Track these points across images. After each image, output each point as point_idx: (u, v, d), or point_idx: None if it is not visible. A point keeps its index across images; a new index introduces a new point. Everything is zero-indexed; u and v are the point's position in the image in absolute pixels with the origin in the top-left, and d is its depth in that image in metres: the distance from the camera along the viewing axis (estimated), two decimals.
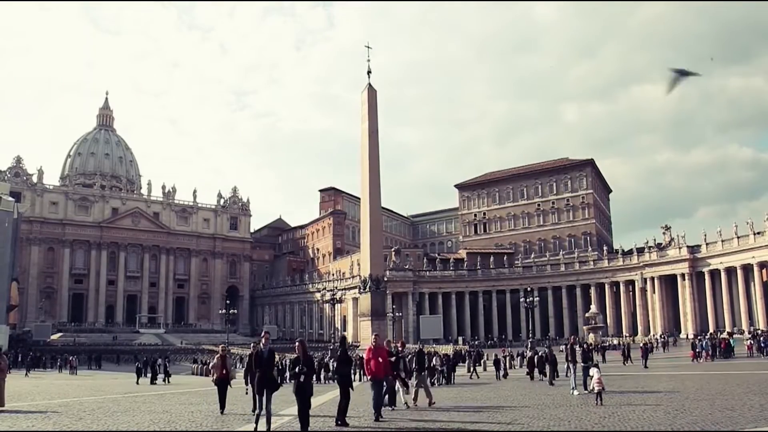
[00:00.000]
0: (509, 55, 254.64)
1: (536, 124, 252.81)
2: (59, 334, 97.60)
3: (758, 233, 71.61)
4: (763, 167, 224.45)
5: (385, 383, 16.14)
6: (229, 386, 18.17)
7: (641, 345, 44.09)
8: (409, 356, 22.91)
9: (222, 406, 17.42)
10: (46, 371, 58.29)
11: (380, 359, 15.79)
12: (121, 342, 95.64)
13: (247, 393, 18.10)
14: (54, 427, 15.18)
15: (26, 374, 47.70)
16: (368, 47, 60.25)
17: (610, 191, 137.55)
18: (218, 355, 18.85)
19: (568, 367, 22.94)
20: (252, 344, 17.85)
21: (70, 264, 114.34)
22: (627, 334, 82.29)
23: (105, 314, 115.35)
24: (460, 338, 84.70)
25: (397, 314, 77.70)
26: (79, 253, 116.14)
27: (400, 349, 20.55)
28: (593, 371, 23.00)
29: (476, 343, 79.92)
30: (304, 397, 12.91)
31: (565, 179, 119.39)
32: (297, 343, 13.85)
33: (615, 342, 69.14)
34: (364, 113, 59.47)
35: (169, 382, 38.05)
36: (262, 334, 14.76)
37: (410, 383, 19.44)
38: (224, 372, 18.02)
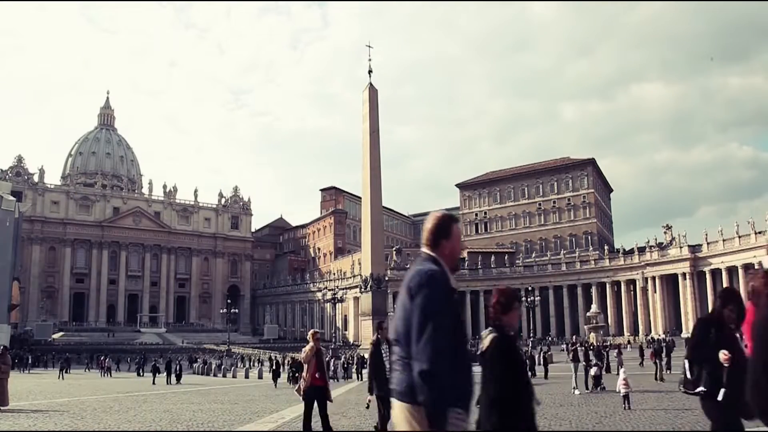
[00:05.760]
0: (507, 53, 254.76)
1: (535, 123, 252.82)
2: (60, 334, 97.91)
3: (759, 232, 71.48)
4: (764, 166, 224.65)
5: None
6: (329, 401, 10.74)
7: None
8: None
9: None
10: (48, 370, 58.33)
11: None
12: (122, 341, 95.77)
13: (368, 407, 11.86)
14: (55, 427, 15.18)
15: (62, 377, 45.34)
16: (369, 47, 60.27)
17: (611, 190, 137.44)
18: (308, 346, 10.81)
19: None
20: (379, 327, 10.69)
21: (71, 263, 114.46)
22: (628, 333, 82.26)
23: (106, 313, 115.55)
24: None
25: None
26: (80, 252, 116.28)
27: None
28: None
29: (477, 341, 80.00)
30: None
31: (566, 178, 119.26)
32: None
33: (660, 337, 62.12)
34: (365, 113, 59.22)
35: (180, 382, 38.49)
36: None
37: None
38: (320, 375, 10.57)
